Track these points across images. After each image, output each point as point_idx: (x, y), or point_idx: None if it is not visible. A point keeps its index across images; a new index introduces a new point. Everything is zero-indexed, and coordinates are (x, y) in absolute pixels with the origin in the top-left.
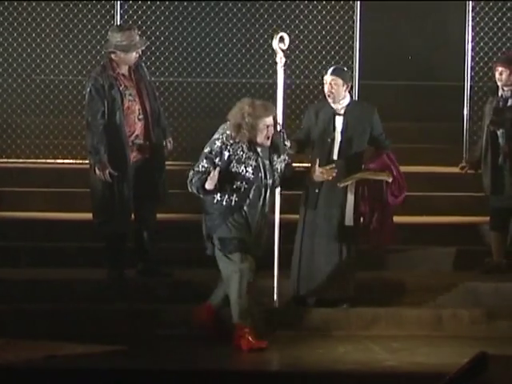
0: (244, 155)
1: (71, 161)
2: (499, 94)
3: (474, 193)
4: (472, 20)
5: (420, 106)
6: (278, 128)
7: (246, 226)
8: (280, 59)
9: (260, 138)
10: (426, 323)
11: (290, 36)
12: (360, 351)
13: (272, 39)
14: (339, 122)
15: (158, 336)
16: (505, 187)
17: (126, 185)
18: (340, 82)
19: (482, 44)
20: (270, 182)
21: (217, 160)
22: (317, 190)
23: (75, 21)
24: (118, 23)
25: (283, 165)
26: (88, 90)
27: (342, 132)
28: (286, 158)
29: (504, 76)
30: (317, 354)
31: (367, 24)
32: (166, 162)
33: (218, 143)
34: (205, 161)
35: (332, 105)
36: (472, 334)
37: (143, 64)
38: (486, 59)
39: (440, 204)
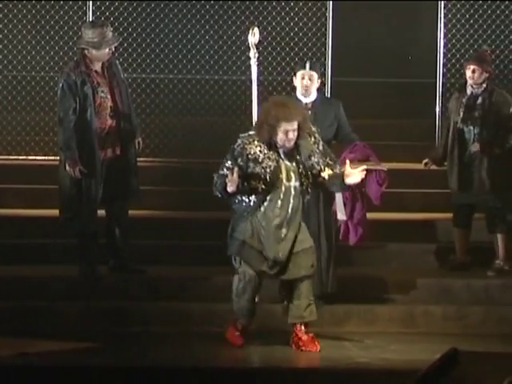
0: (262, 155)
1: (43, 157)
2: (468, 92)
3: (446, 189)
4: (444, 17)
5: (392, 103)
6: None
7: (262, 229)
8: (254, 55)
9: (280, 141)
10: (398, 320)
11: (262, 33)
12: (333, 348)
13: (246, 34)
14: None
15: (131, 333)
16: (472, 184)
17: (94, 182)
18: (315, 76)
19: (454, 41)
20: (294, 184)
21: (239, 160)
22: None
23: (47, 17)
24: (90, 19)
25: (318, 168)
26: (60, 85)
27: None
28: (321, 160)
29: (476, 74)
30: (289, 351)
31: (339, 21)
32: (138, 159)
33: (239, 141)
34: (228, 162)
35: (302, 99)
36: (444, 331)
37: (117, 61)
38: (458, 56)
39: (412, 201)
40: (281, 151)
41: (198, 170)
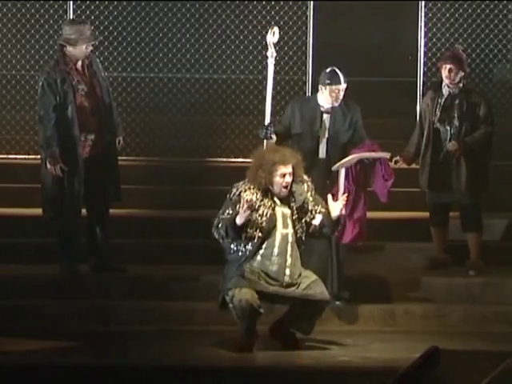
0: (258, 202)
1: (24, 156)
2: (444, 92)
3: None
4: (425, 16)
5: (374, 102)
6: (266, 122)
7: (258, 276)
8: (272, 54)
9: (277, 187)
10: (379, 318)
11: (243, 31)
12: (314, 347)
13: (265, 33)
14: (327, 119)
15: (113, 332)
16: (448, 183)
17: (76, 180)
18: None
19: (434, 40)
20: (291, 231)
21: (237, 207)
22: None
23: (28, 15)
24: (71, 18)
25: (311, 216)
26: (40, 84)
27: (329, 130)
28: (314, 209)
29: (453, 74)
30: (270, 350)
31: (321, 19)
32: (119, 158)
33: (234, 190)
34: (229, 208)
35: (321, 103)
36: (424, 329)
37: (98, 60)
38: (438, 55)
39: (395, 199)
40: (276, 198)
41: (180, 169)
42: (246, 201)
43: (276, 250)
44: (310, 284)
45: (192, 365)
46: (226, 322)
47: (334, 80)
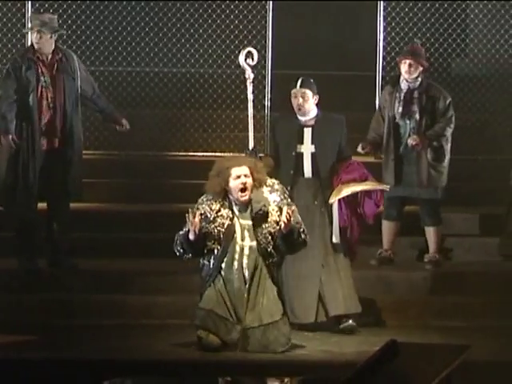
0: (213, 213)
1: None
2: (403, 86)
3: None
4: (384, 10)
5: (333, 96)
6: (250, 146)
7: (226, 293)
8: (248, 76)
9: (234, 192)
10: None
11: (202, 25)
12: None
13: (238, 55)
14: (308, 134)
15: (71, 326)
16: (408, 177)
17: (31, 168)
18: (310, 94)
19: (393, 34)
20: (250, 244)
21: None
22: None
23: None
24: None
25: (272, 229)
26: (6, 67)
27: (311, 145)
28: (279, 219)
29: (413, 69)
30: (232, 344)
31: (280, 14)
32: (87, 152)
33: (196, 205)
34: (187, 223)
35: (300, 117)
36: (383, 323)
37: (76, 57)
38: (397, 49)
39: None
40: (235, 209)
41: (138, 163)
42: (191, 213)
43: (236, 264)
44: (269, 331)
45: (150, 359)
46: (185, 316)
47: (293, 84)
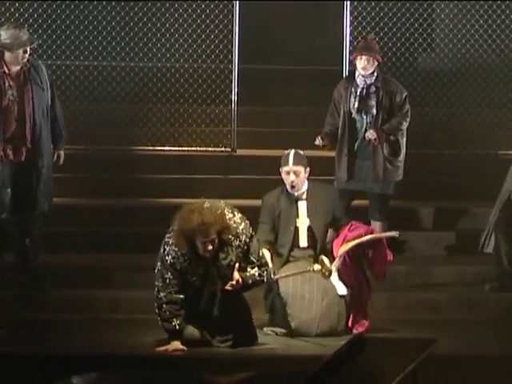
0: (191, 266)
1: None
2: (359, 81)
3: None
4: (350, 5)
5: (299, 91)
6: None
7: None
8: None
9: (200, 250)
10: None
11: (169, 19)
12: None
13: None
14: (302, 208)
15: (37, 321)
16: (362, 171)
17: None
18: (302, 169)
19: (359, 29)
20: (218, 287)
21: (170, 272)
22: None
23: None
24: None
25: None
26: None
27: (307, 219)
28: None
29: (369, 65)
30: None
31: (247, 8)
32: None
33: (167, 249)
34: (168, 273)
35: (293, 192)
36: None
37: (43, 66)
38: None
39: None
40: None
41: (105, 157)
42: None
43: (214, 308)
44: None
45: (118, 353)
46: (151, 310)
47: (284, 161)
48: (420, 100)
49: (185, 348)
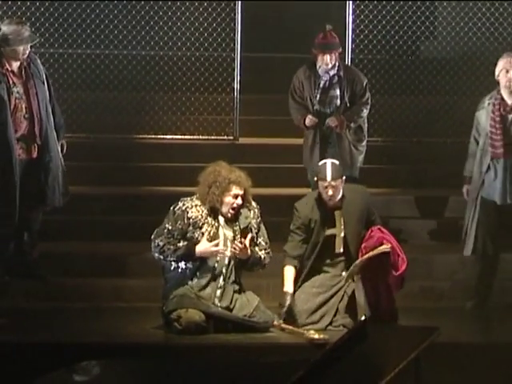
0: (202, 220)
1: None
2: (321, 72)
3: None
4: None
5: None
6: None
7: (195, 296)
8: None
9: (225, 207)
10: None
11: (171, 7)
12: (239, 324)
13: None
14: (339, 218)
15: (38, 309)
16: (330, 157)
17: (11, 184)
18: (339, 182)
19: (362, 17)
20: (228, 254)
21: (179, 223)
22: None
23: None
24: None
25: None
26: None
27: (342, 228)
28: (255, 237)
29: (332, 59)
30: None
31: None
32: None
33: (180, 204)
34: (170, 223)
35: (330, 204)
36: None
37: (39, 60)
38: (366, 32)
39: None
40: (221, 219)
41: (107, 146)
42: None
43: (214, 271)
44: (253, 312)
45: (119, 342)
46: (153, 299)
47: (321, 174)
48: (422, 88)
49: (216, 241)
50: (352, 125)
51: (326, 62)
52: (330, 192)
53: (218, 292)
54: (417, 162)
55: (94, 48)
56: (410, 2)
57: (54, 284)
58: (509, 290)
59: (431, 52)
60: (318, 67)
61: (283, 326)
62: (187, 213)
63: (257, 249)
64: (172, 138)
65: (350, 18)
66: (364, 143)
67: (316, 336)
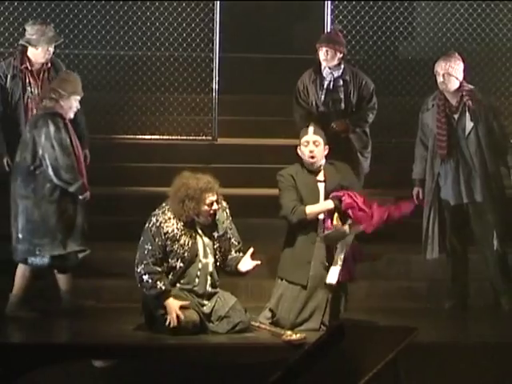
0: (179, 232)
1: None
2: (325, 74)
3: None
4: None
5: (282, 79)
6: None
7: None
8: None
9: (203, 216)
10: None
11: (150, 8)
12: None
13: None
14: (321, 188)
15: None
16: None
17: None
18: (321, 141)
19: (341, 17)
20: (211, 261)
21: (157, 240)
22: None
23: None
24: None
25: (227, 244)
26: None
27: (323, 198)
28: (232, 238)
29: (329, 56)
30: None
31: None
32: None
33: (154, 220)
34: (149, 243)
35: (310, 168)
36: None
37: (61, 63)
38: (345, 32)
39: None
40: (198, 227)
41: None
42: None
43: (197, 280)
44: (229, 311)
45: (100, 342)
46: (134, 299)
47: (303, 132)
48: (401, 89)
49: (186, 302)
50: (357, 129)
51: (324, 57)
52: (312, 147)
53: (205, 301)
54: (396, 163)
55: (72, 48)
56: (388, 3)
57: (36, 284)
58: (486, 290)
59: (409, 52)
60: (322, 68)
61: (261, 326)
62: (162, 228)
63: (233, 252)
64: (151, 139)
65: (328, 18)
66: (369, 149)
67: (294, 336)
